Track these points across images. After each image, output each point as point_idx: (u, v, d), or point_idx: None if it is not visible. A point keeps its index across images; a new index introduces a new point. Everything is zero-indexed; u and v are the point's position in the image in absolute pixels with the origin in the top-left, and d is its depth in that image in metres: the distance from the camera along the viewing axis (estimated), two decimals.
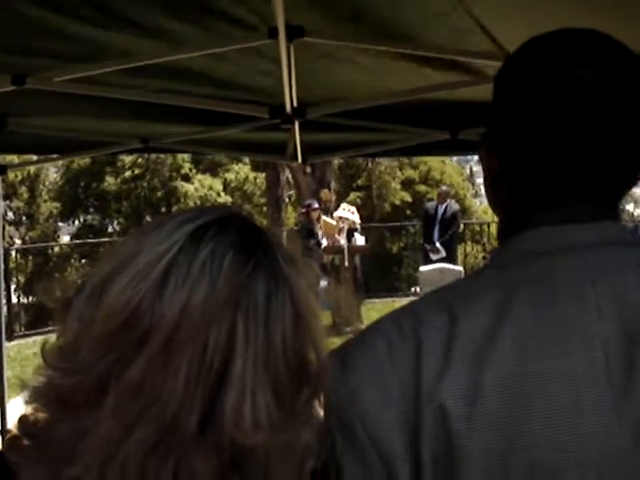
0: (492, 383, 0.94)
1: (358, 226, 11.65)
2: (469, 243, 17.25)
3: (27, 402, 0.90)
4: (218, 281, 0.87)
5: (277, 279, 0.90)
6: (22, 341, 12.20)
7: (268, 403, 0.86)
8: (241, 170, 21.71)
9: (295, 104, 3.20)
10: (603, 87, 1.00)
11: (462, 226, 15.31)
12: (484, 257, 17.15)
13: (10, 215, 20.74)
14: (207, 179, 21.09)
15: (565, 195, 1.05)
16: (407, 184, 20.87)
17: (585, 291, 0.97)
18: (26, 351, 11.04)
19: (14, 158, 10.96)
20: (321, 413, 0.97)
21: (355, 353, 1.04)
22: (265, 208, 19.81)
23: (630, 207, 27.69)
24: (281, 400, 0.88)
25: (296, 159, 4.55)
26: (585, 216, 1.04)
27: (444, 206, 13.23)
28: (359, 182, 20.85)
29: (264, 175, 19.32)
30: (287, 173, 17.40)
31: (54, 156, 6.30)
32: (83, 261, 17.47)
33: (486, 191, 1.18)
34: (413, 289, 14.35)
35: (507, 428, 0.92)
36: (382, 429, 0.97)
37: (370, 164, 19.30)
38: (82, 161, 19.28)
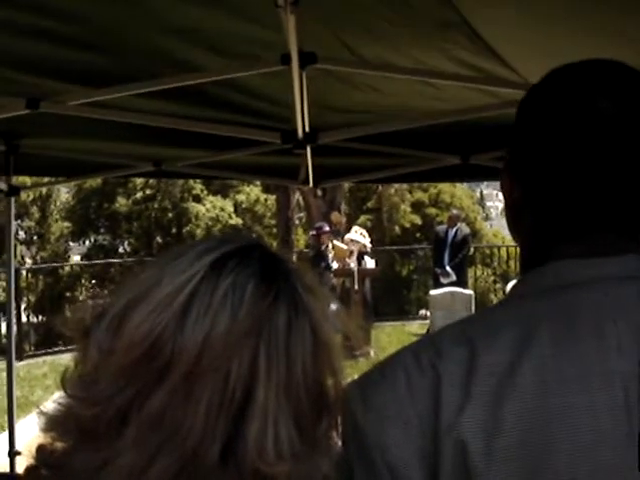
0: (512, 418, 0.93)
1: (369, 249, 11.64)
2: (479, 266, 17.22)
3: (44, 430, 0.89)
4: (240, 311, 0.86)
5: (297, 308, 0.90)
6: (32, 361, 12.21)
7: (290, 433, 0.86)
8: (252, 192, 21.75)
9: (307, 129, 3.21)
10: (626, 120, 1.01)
11: (472, 249, 15.28)
12: (494, 281, 17.11)
13: (22, 234, 20.80)
14: (218, 200, 21.12)
15: (589, 228, 1.05)
16: (417, 207, 20.85)
17: (606, 328, 0.97)
18: (36, 371, 11.05)
19: (26, 179, 11.05)
20: (339, 443, 0.97)
21: (375, 385, 1.04)
22: (275, 230, 19.84)
23: None
24: (302, 430, 0.87)
25: (308, 183, 4.56)
26: (609, 249, 1.03)
27: (454, 230, 13.21)
28: (369, 205, 20.85)
29: (275, 197, 19.37)
30: (297, 195, 17.44)
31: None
32: (93, 281, 17.51)
33: (507, 221, 1.18)
34: (423, 312, 14.31)
35: (526, 464, 0.92)
36: (401, 463, 0.96)
37: (380, 187, 19.30)
38: (94, 182, 19.33)
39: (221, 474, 0.83)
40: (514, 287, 1.13)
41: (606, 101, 1.01)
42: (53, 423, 0.89)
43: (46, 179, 8.26)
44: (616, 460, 0.91)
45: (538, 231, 1.09)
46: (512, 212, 1.14)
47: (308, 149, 3.62)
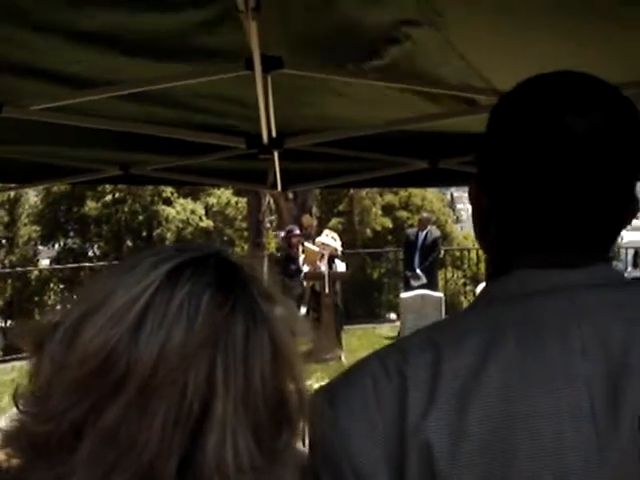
0: (476, 422, 0.94)
1: (339, 253, 11.65)
2: (450, 269, 17.30)
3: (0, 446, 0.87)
4: (196, 322, 0.85)
5: (255, 317, 0.89)
6: (0, 366, 12.06)
7: (249, 445, 0.84)
8: (223, 194, 21.69)
9: (274, 134, 3.19)
10: (593, 136, 1.01)
11: (443, 252, 15.34)
12: (465, 283, 17.19)
13: None
14: (189, 203, 21.04)
15: (554, 241, 1.06)
16: (388, 210, 20.93)
17: (571, 333, 0.98)
18: (4, 377, 10.90)
19: None
20: (303, 453, 0.96)
21: (342, 392, 1.04)
22: (246, 233, 19.78)
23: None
24: (262, 442, 0.86)
25: (276, 187, 4.54)
26: (573, 262, 1.05)
27: (425, 233, 13.26)
28: (340, 208, 20.90)
29: (246, 200, 19.32)
30: (269, 198, 17.41)
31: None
32: (62, 286, 17.36)
33: (474, 228, 1.19)
34: (393, 315, 14.34)
35: (491, 467, 0.92)
36: (368, 469, 0.97)
37: (351, 190, 19.32)
38: (63, 185, 19.20)
39: None
40: (480, 294, 1.14)
41: (575, 116, 1.02)
42: (7, 439, 0.87)
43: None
44: (580, 464, 0.92)
45: (503, 240, 1.11)
46: (479, 220, 1.16)
47: (275, 154, 3.60)
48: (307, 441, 1.04)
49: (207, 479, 0.82)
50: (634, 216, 1.11)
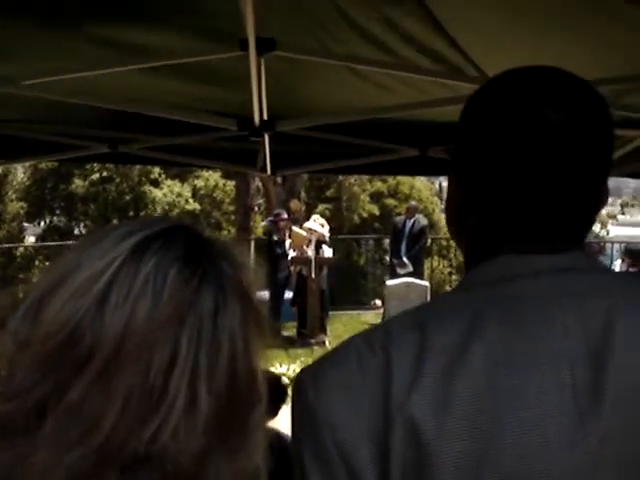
0: (462, 395, 0.95)
1: (327, 238, 11.65)
2: (436, 258, 17.32)
3: None
4: (162, 297, 0.83)
5: (225, 293, 0.87)
6: None
7: (216, 425, 0.83)
8: (211, 177, 21.63)
9: (265, 117, 3.18)
10: (571, 131, 1.04)
11: (429, 241, 15.36)
12: (450, 272, 17.24)
13: None
14: (176, 185, 20.97)
15: (535, 229, 1.08)
16: (376, 197, 20.94)
17: (553, 312, 1.01)
18: None
19: None
20: (274, 432, 0.95)
21: (327, 368, 1.05)
22: (234, 216, 19.76)
23: (596, 228, 28.08)
24: (230, 421, 0.85)
25: (266, 171, 4.53)
26: (555, 249, 1.08)
27: (412, 221, 13.27)
28: (329, 194, 20.88)
29: (234, 183, 19.29)
30: (257, 182, 17.38)
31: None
32: (47, 263, 17.29)
33: (448, 220, 1.21)
34: (378, 302, 14.37)
35: (476, 440, 0.94)
36: (351, 443, 0.97)
37: (340, 176, 19.32)
38: (50, 162, 19.11)
39: (140, 467, 0.80)
40: (463, 279, 1.16)
41: (555, 112, 1.03)
42: None
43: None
44: (562, 439, 0.94)
45: (483, 230, 1.12)
46: (454, 212, 1.18)
47: (266, 137, 3.59)
48: (291, 416, 1.05)
49: (170, 458, 0.80)
50: (603, 206, 1.14)
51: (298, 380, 1.06)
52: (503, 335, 0.99)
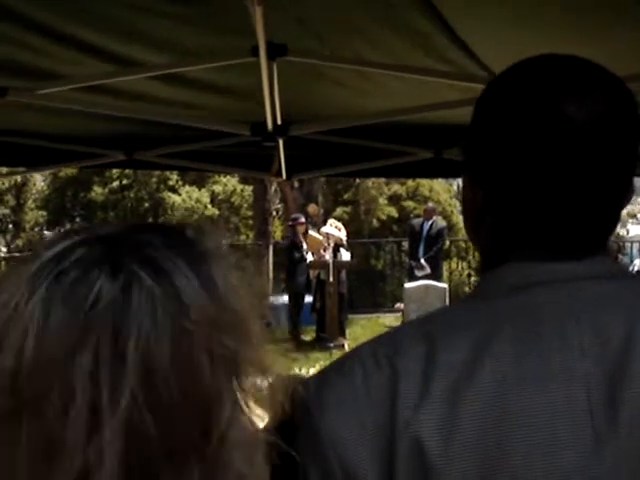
0: (470, 416, 0.91)
1: (344, 242, 11.66)
2: (455, 260, 17.27)
3: None
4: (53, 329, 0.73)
5: (156, 301, 0.76)
6: None
7: (154, 445, 0.73)
8: (229, 182, 21.69)
9: (279, 121, 3.20)
10: (594, 124, 0.96)
11: (448, 243, 15.31)
12: (469, 274, 17.18)
13: None
14: (194, 191, 21.06)
15: (555, 234, 1.02)
16: (394, 200, 20.91)
17: (568, 328, 0.95)
18: None
19: (1, 168, 10.92)
20: (255, 435, 0.88)
21: (332, 382, 1.01)
22: (252, 221, 19.79)
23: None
24: (184, 433, 0.75)
25: (281, 175, 4.55)
26: (573, 253, 1.01)
27: (430, 223, 13.22)
28: (346, 197, 20.88)
29: (252, 188, 19.31)
30: (275, 186, 17.40)
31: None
32: None
33: (465, 222, 1.14)
34: (397, 305, 14.33)
35: (484, 462, 0.90)
36: (356, 462, 0.94)
37: (357, 179, 19.31)
38: (69, 170, 19.20)
39: None
40: (476, 286, 1.09)
41: (573, 106, 0.96)
42: None
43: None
44: (576, 462, 0.89)
45: (499, 233, 1.06)
46: (471, 215, 1.11)
47: (280, 141, 3.61)
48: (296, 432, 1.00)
49: None
50: (629, 201, 1.06)
51: (301, 394, 0.99)
52: (515, 352, 0.94)
